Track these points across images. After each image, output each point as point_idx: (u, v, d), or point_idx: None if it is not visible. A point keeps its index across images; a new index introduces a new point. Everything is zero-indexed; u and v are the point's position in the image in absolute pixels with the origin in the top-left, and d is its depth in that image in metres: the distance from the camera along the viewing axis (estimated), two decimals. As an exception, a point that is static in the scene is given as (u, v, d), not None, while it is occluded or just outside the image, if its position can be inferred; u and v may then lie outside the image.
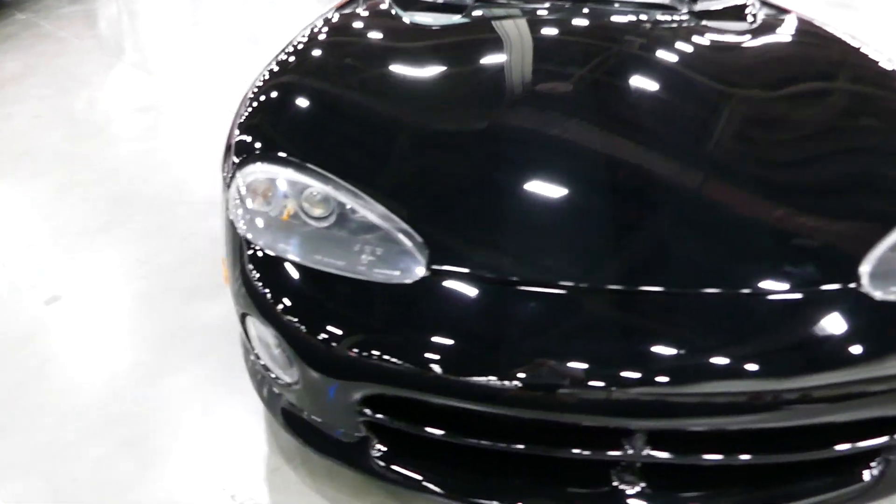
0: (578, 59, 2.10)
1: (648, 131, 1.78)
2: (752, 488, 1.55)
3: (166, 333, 2.28)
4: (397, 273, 1.47)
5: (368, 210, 1.56)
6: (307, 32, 2.24)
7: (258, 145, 1.74)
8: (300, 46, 2.15)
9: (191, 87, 4.30)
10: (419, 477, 1.54)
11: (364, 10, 2.43)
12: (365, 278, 1.48)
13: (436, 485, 1.53)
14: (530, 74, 1.98)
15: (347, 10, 2.45)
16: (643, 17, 2.36)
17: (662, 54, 2.13)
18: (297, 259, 1.53)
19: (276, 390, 1.69)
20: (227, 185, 1.72)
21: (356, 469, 1.60)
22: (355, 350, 1.42)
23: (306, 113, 1.86)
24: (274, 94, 1.91)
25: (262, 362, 1.66)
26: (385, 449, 1.57)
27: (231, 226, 1.66)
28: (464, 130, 1.78)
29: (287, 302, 1.49)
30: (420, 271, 1.46)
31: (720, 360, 1.35)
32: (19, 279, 2.55)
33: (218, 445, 1.91)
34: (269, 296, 1.51)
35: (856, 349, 1.37)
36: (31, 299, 2.45)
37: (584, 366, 1.34)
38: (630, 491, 1.50)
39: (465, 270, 1.46)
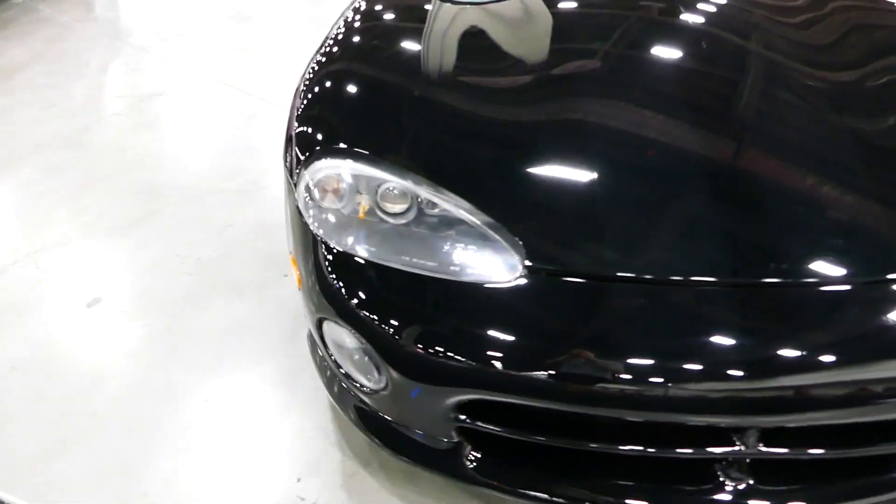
0: (660, 42, 1.96)
1: (738, 120, 1.68)
2: (853, 478, 1.50)
3: (220, 333, 2.20)
4: (493, 273, 1.39)
5: (452, 205, 1.48)
6: (350, 17, 2.13)
7: (325, 139, 1.64)
8: (348, 34, 2.03)
9: (199, 68, 4.16)
10: (518, 482, 1.48)
11: None
12: (458, 279, 1.40)
13: (536, 490, 1.47)
14: (604, 56, 1.87)
15: None
16: None
17: (737, 35, 1.99)
18: (382, 260, 1.44)
19: (351, 392, 1.62)
20: (294, 183, 1.63)
21: (449, 475, 1.54)
22: (454, 355, 1.34)
23: (372, 103, 1.76)
24: (334, 84, 1.81)
25: (343, 370, 1.59)
26: (480, 455, 1.50)
27: (302, 225, 1.57)
28: (545, 121, 1.67)
29: (376, 306, 1.41)
30: (517, 270, 1.38)
31: (841, 353, 1.28)
32: (57, 282, 2.46)
33: (289, 451, 1.84)
34: (354, 300, 1.43)
35: None
36: (71, 303, 2.36)
37: (700, 365, 1.27)
38: (739, 487, 1.44)
39: (566, 268, 1.38)
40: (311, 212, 1.56)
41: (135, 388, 2.03)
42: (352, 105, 1.75)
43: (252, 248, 2.60)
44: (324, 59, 1.90)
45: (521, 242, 1.40)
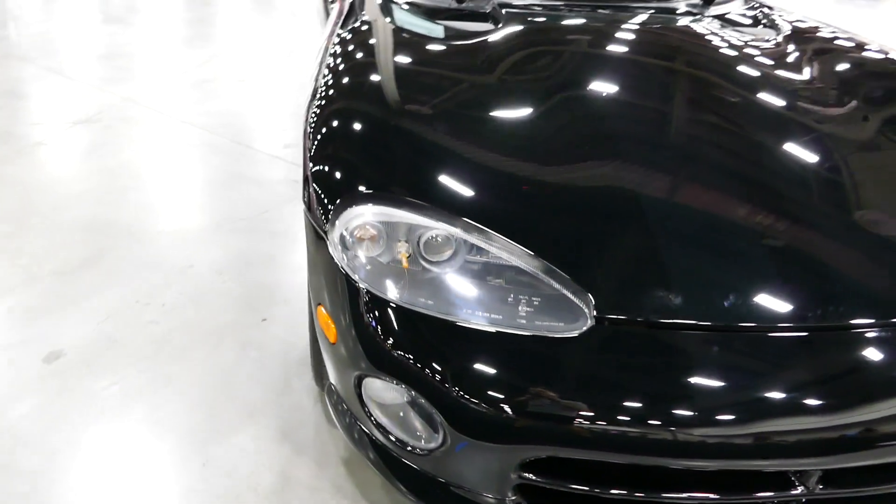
0: (680, 80, 1.98)
1: (795, 162, 1.69)
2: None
3: (204, 388, 2.03)
4: (561, 324, 1.33)
5: (505, 252, 1.41)
6: (348, 48, 2.03)
7: (356, 183, 1.54)
8: (351, 67, 1.94)
9: (114, 90, 3.91)
10: None
11: (387, 23, 2.24)
12: (526, 332, 1.33)
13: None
14: (636, 93, 1.87)
15: (363, 22, 2.26)
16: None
17: (766, 76, 2.03)
18: (439, 314, 1.36)
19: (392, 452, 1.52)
20: (324, 231, 1.52)
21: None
22: (526, 412, 1.28)
23: (401, 143, 1.66)
24: (351, 124, 1.70)
25: (385, 430, 1.49)
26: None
27: (337, 277, 1.46)
28: (601, 160, 1.63)
29: (438, 362, 1.32)
30: (587, 321, 1.33)
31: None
32: (4, 336, 2.21)
33: (307, 516, 1.71)
34: (410, 358, 1.34)
35: None
36: (26, 360, 2.12)
37: (783, 411, 1.26)
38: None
39: (637, 317, 1.34)
40: (348, 262, 1.46)
41: (116, 457, 1.83)
42: (378, 146, 1.65)
43: (220, 291, 2.43)
44: (332, 95, 1.80)
45: (587, 291, 1.36)
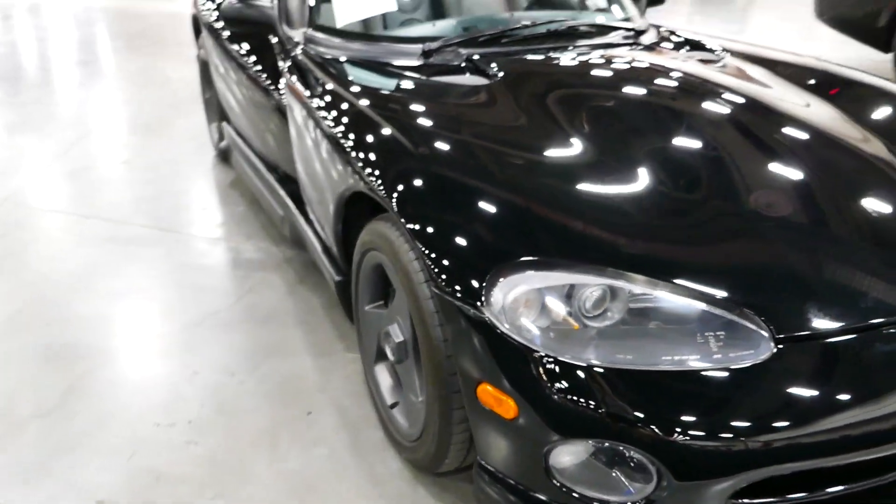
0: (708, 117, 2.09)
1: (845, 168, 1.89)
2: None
3: (295, 498, 1.86)
4: (752, 352, 1.40)
5: (667, 293, 1.46)
6: (373, 123, 1.99)
7: (503, 253, 1.51)
8: (403, 140, 1.89)
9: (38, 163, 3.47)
10: None
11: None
12: (721, 366, 1.38)
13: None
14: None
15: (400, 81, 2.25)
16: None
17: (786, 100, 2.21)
18: (644, 366, 1.37)
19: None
20: (476, 305, 1.47)
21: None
22: (744, 440, 1.33)
23: (522, 207, 1.64)
24: (463, 195, 1.69)
25: (586, 497, 1.46)
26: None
27: (510, 349, 1.43)
28: (710, 198, 1.72)
29: (654, 414, 1.34)
30: (770, 345, 1.41)
31: None
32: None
33: None
34: (621, 416, 1.35)
35: None
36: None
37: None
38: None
39: (809, 331, 1.44)
40: (519, 333, 1.43)
41: None
42: (503, 212, 1.63)
43: (241, 392, 2.23)
44: (425, 154, 1.78)
45: (761, 317, 1.43)
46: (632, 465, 1.41)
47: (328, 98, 2.26)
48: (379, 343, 2.05)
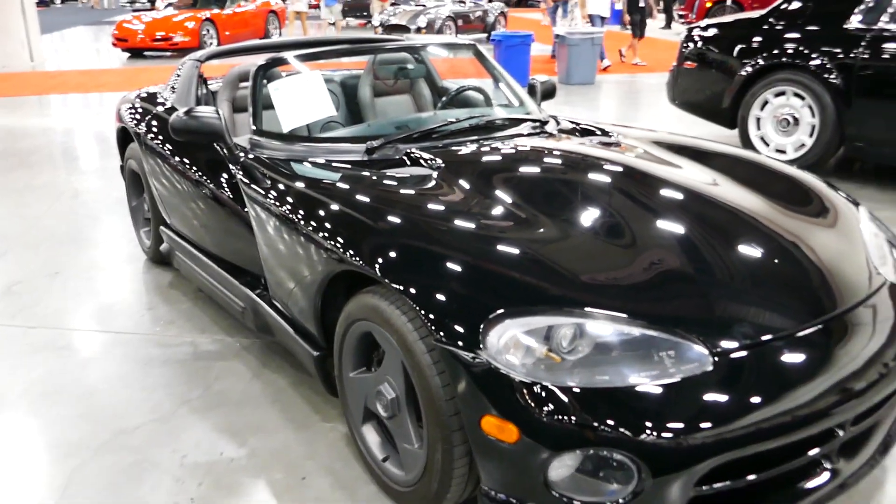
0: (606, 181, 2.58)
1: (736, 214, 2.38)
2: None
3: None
4: (696, 364, 1.78)
5: (626, 326, 1.83)
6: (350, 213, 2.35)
7: (492, 306, 1.85)
8: (381, 223, 2.25)
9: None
10: None
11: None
12: (676, 378, 1.75)
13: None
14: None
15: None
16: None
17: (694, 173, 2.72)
18: (618, 385, 1.73)
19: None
20: (472, 351, 1.79)
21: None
22: (708, 432, 1.69)
23: (501, 266, 2.02)
24: (449, 263, 2.02)
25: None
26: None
27: (506, 383, 1.75)
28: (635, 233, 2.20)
29: (634, 423, 1.68)
30: (709, 357, 1.79)
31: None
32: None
33: None
34: (605, 427, 1.68)
35: None
36: None
37: (851, 378, 1.87)
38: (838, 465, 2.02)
39: (737, 344, 1.84)
40: (513, 369, 1.75)
41: None
42: (484, 273, 1.98)
43: (237, 468, 2.40)
44: (405, 230, 2.18)
45: (694, 332, 1.83)
46: (615, 466, 1.73)
47: (290, 196, 2.57)
48: (366, 405, 2.30)
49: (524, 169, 2.71)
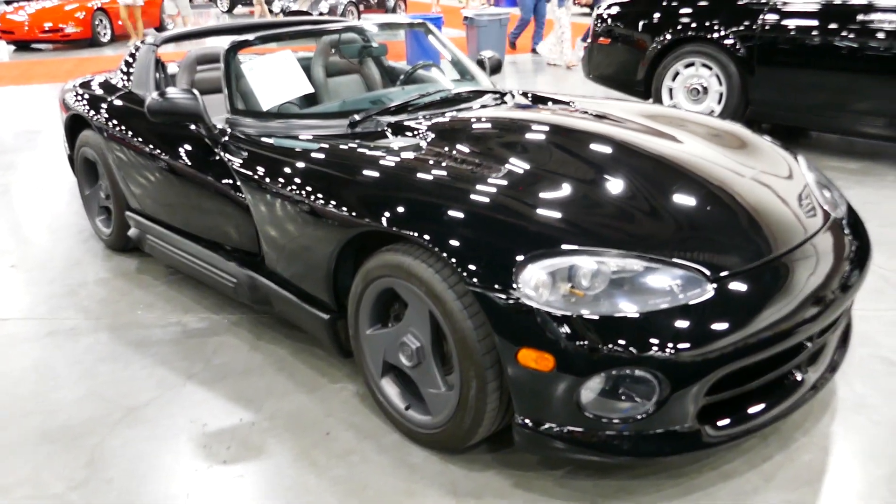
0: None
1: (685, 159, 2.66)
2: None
3: None
4: (700, 290, 2.05)
5: (636, 261, 2.07)
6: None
7: (522, 248, 2.06)
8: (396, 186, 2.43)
9: None
10: (752, 418, 2.16)
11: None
12: (684, 303, 2.01)
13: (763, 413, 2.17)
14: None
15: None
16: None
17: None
18: (637, 313, 1.97)
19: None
20: (510, 290, 1.99)
21: (696, 451, 2.11)
22: (710, 348, 1.97)
23: (523, 215, 2.24)
24: (479, 212, 2.24)
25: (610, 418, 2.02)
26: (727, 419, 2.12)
27: (539, 315, 1.97)
28: (629, 178, 2.45)
29: (648, 342, 1.93)
30: (710, 285, 2.06)
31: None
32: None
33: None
34: (633, 348, 1.93)
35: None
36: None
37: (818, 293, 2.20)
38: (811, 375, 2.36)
39: (730, 270, 2.12)
40: (545, 302, 1.97)
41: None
42: (508, 221, 2.20)
43: (264, 428, 2.51)
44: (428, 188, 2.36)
45: (697, 265, 2.09)
46: (639, 382, 1.98)
47: (292, 171, 2.69)
48: (385, 358, 2.46)
49: (512, 132, 2.91)
